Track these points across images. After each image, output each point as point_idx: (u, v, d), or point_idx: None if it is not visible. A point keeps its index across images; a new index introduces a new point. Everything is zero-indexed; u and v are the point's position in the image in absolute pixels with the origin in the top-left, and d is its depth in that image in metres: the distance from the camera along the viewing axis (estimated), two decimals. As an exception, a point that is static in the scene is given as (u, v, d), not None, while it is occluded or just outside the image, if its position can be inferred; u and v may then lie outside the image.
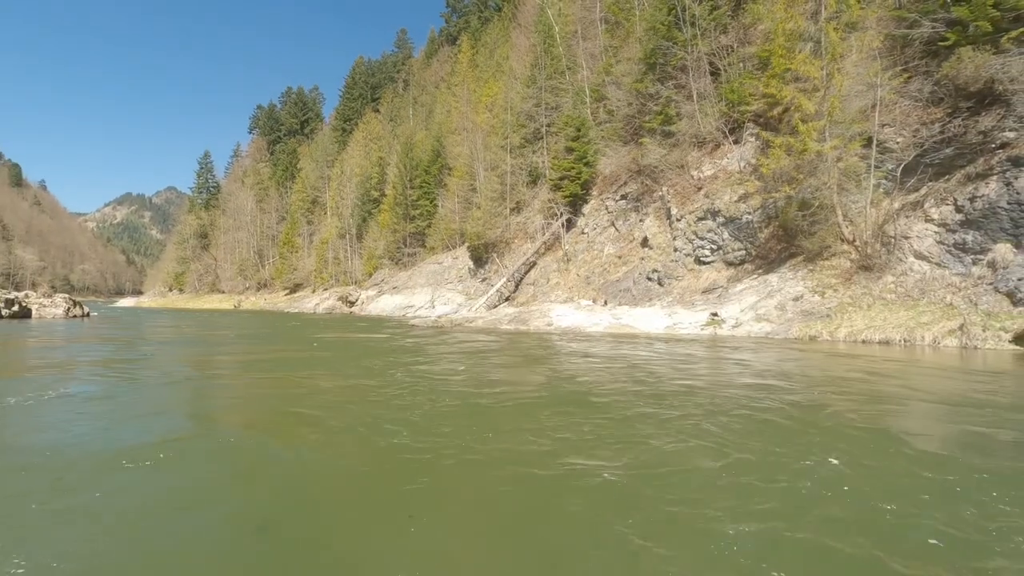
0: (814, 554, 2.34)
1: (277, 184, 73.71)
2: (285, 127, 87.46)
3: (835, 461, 3.56)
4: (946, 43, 14.02)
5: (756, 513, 2.72)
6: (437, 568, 2.25)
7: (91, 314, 25.50)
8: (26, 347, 12.11)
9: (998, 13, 12.99)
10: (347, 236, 53.98)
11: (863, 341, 12.48)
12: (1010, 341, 10.51)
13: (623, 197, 26.22)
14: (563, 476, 3.32)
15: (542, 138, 33.45)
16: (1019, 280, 11.55)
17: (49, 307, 22.28)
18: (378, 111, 66.09)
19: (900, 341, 11.96)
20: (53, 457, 3.68)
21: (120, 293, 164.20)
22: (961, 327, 11.22)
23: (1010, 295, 11.60)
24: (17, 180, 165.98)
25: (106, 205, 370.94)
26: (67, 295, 25.90)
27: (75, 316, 23.04)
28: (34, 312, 21.62)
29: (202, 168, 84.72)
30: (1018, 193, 12.37)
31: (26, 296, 23.04)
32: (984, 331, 10.86)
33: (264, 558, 2.31)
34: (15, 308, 20.67)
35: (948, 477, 3.28)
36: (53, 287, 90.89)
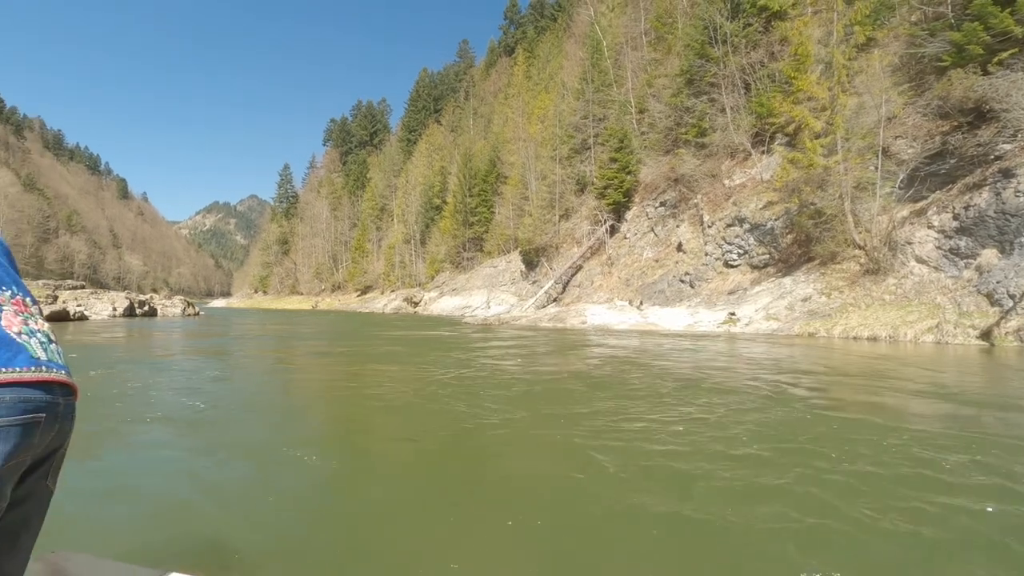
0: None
1: (349, 193, 79.40)
2: (356, 139, 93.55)
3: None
4: (944, 63, 15.20)
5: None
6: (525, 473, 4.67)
7: (200, 313, 30.10)
8: (168, 339, 15.76)
9: (989, 37, 14.11)
10: (412, 241, 58.03)
11: (854, 338, 14.01)
12: (977, 337, 11.88)
13: (662, 204, 27.97)
14: (572, 419, 5.76)
15: (589, 148, 35.60)
16: (997, 283, 12.77)
17: (170, 307, 26.82)
18: (440, 122, 69.97)
19: (886, 337, 13.44)
20: (261, 411, 6.52)
21: (210, 294, 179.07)
22: (938, 325, 12.63)
23: (989, 296, 12.84)
24: (124, 193, 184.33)
25: (196, 213, 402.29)
26: (183, 297, 30.66)
27: (189, 315, 27.49)
28: (159, 312, 26.15)
29: (282, 180, 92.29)
30: (1004, 203, 13.51)
31: (151, 298, 27.74)
32: (955, 328, 12.25)
33: (419, 454, 4.81)
34: (145, 308, 25.20)
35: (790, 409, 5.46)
36: (173, 290, 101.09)
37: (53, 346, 1.05)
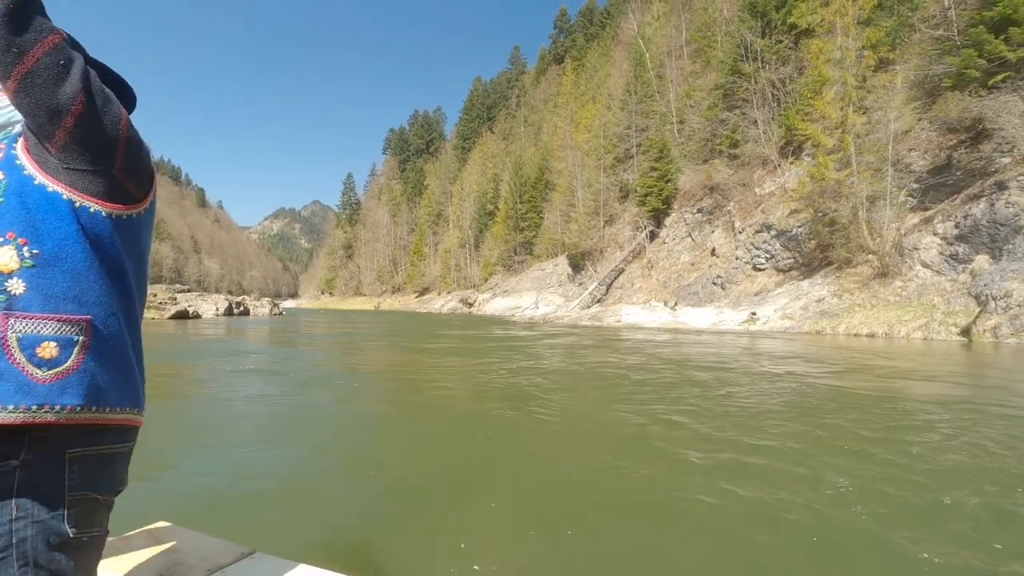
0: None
1: (407, 200, 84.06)
2: (413, 147, 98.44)
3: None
4: (946, 85, 16.62)
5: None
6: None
7: (283, 312, 34.30)
8: (274, 334, 19.28)
9: (985, 62, 15.51)
10: (466, 245, 61.45)
11: (855, 335, 15.75)
12: (958, 334, 13.50)
13: (699, 211, 29.77)
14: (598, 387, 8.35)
15: (632, 157, 37.62)
16: (984, 286, 14.24)
17: (259, 308, 31.01)
18: (492, 131, 73.24)
19: (882, 334, 15.14)
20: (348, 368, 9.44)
21: (278, 295, 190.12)
22: (926, 323, 14.27)
23: (977, 297, 14.33)
24: (202, 202, 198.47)
25: (265, 219, 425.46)
26: (270, 298, 34.99)
27: (275, 314, 31.61)
28: (251, 311, 30.32)
29: (346, 188, 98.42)
30: (995, 213, 14.92)
31: (244, 300, 32.08)
32: (940, 326, 13.89)
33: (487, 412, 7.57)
34: (241, 308, 29.38)
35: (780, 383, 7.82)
36: (275, 294, 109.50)
37: None
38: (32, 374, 0.82)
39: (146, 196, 0.95)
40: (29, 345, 0.82)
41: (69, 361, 0.84)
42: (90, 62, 0.94)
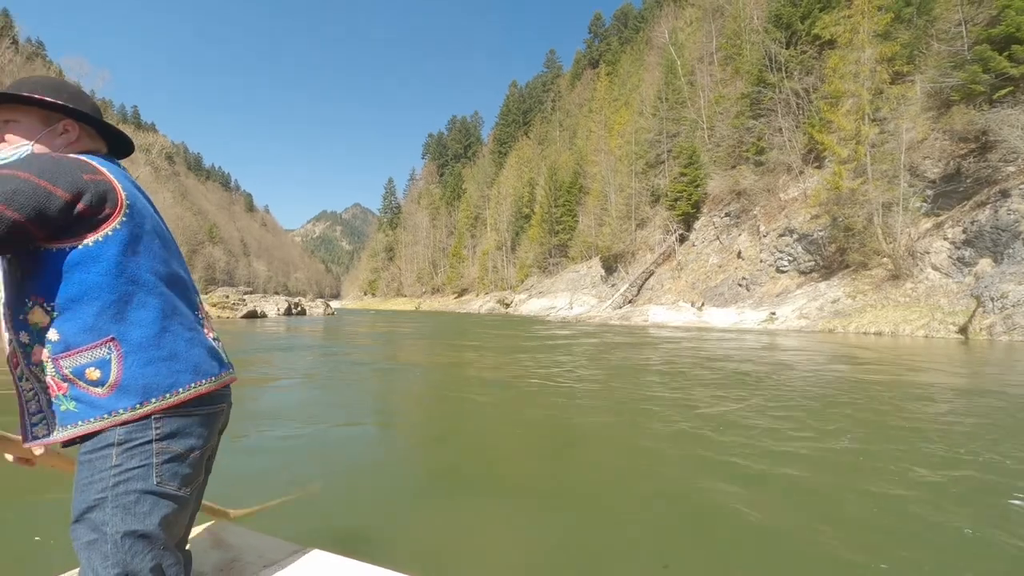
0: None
1: (446, 203, 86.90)
2: (451, 152, 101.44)
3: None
4: (956, 98, 17.65)
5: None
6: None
7: (334, 312, 37.10)
8: (338, 330, 21.72)
9: (991, 77, 16.53)
10: (503, 248, 63.60)
11: (863, 333, 16.99)
12: (956, 332, 14.67)
13: (727, 215, 30.97)
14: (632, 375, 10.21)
15: (663, 162, 38.94)
16: (985, 288, 15.34)
17: (314, 308, 33.82)
18: (528, 136, 75.20)
19: (888, 333, 16.36)
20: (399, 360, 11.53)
21: (321, 296, 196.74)
22: (928, 323, 15.46)
23: (978, 299, 15.42)
24: (250, 206, 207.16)
25: (308, 222, 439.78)
26: (323, 299, 37.84)
27: (328, 314, 34.37)
28: (307, 311, 33.13)
29: (387, 193, 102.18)
30: (998, 220, 15.96)
31: (301, 301, 34.99)
32: (940, 325, 15.07)
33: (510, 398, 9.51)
34: (298, 308, 32.20)
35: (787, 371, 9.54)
36: (318, 295, 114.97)
37: (222, 345, 1.22)
38: (95, 393, 1.00)
39: (117, 206, 1.01)
40: (80, 374, 1.00)
41: (112, 375, 1.00)
42: (92, 119, 1.14)
